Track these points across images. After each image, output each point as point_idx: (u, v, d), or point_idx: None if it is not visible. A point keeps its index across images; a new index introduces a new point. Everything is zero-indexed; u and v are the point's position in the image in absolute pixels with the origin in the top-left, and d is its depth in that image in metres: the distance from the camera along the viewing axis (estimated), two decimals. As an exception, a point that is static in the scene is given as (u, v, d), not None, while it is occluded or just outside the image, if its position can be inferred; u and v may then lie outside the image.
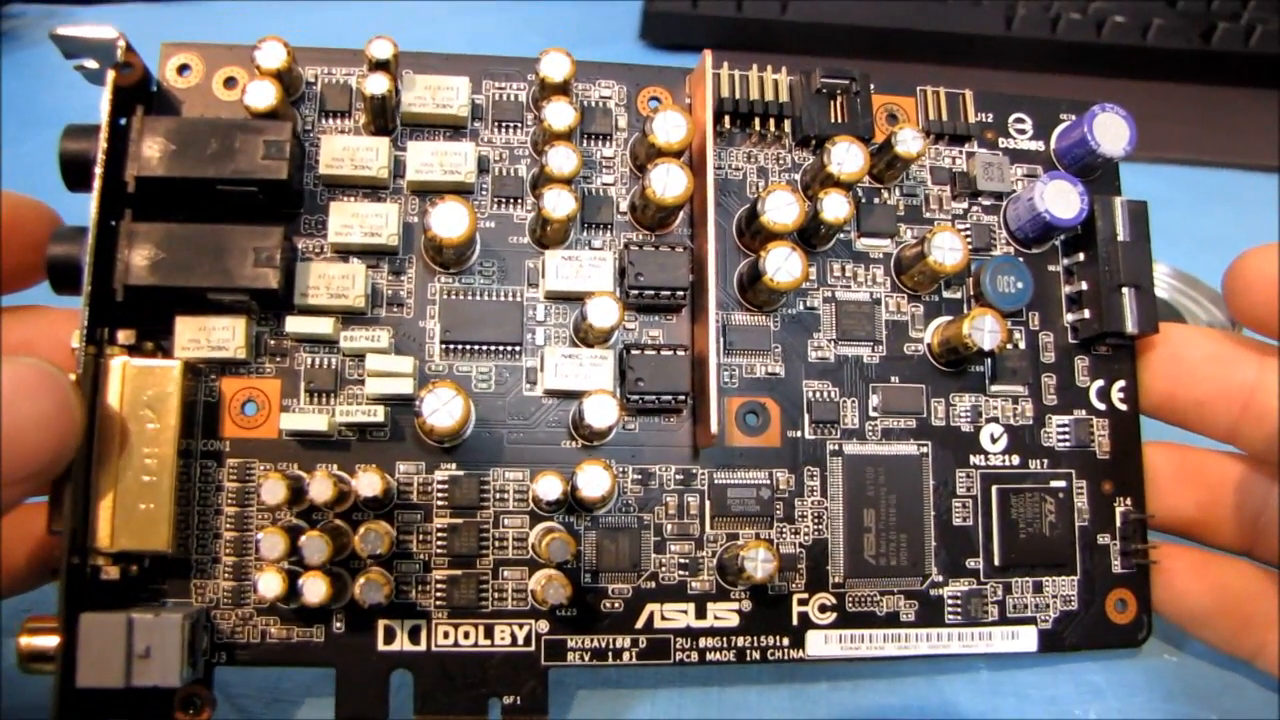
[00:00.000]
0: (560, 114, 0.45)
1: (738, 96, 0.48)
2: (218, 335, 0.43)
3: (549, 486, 0.42)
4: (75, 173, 0.42)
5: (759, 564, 0.43)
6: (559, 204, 0.44)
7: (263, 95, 0.43)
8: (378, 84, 0.44)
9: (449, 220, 0.42)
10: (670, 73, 0.49)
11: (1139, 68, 0.79)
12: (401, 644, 0.43)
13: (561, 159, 0.44)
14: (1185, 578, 0.48)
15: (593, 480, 0.42)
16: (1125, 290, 0.47)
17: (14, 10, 0.75)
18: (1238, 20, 0.78)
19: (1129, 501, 0.49)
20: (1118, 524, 0.48)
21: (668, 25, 0.76)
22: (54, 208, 0.44)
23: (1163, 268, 0.64)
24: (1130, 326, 0.47)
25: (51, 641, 0.39)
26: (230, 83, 0.46)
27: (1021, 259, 0.49)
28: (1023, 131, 0.51)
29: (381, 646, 0.43)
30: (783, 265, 0.44)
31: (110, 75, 0.42)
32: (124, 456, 0.40)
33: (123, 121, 0.42)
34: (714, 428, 0.43)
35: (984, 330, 0.45)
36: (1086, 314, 0.48)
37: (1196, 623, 0.48)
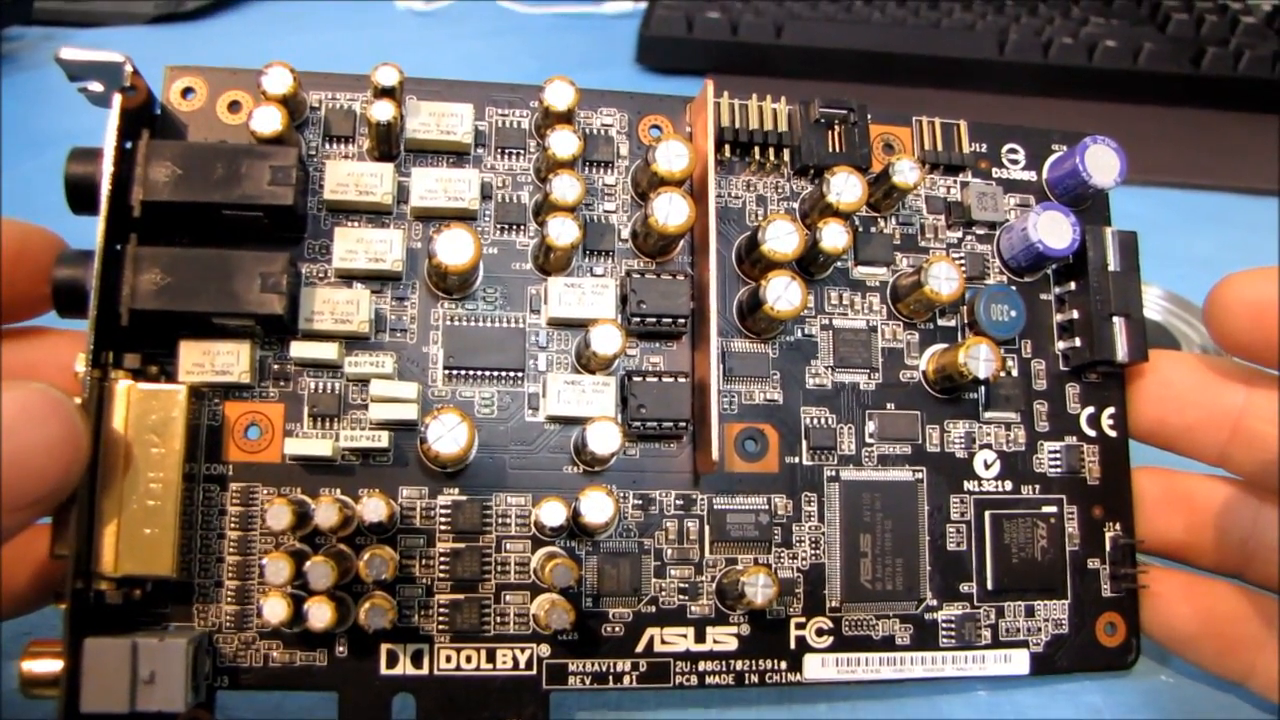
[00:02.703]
0: (564, 142, 0.45)
1: (737, 125, 0.49)
2: (222, 359, 0.43)
3: (552, 512, 0.43)
4: (80, 196, 0.42)
5: (759, 589, 0.43)
6: (562, 232, 0.44)
7: (269, 121, 0.43)
8: (383, 110, 0.44)
9: (454, 247, 0.43)
10: (671, 101, 0.50)
11: (1130, 91, 0.80)
12: (404, 668, 0.44)
13: (565, 187, 0.45)
14: (1174, 601, 0.49)
15: (596, 506, 0.43)
16: (1116, 319, 0.48)
17: (13, 33, 0.75)
18: (1226, 45, 0.80)
19: (1118, 526, 0.50)
20: (1107, 549, 0.49)
21: (664, 49, 0.77)
22: (56, 229, 0.43)
23: (1155, 290, 0.65)
24: (1120, 355, 0.48)
25: (54, 666, 0.39)
26: (234, 106, 0.46)
27: (1014, 287, 0.50)
28: (1015, 162, 0.52)
29: (384, 670, 0.44)
30: (783, 294, 0.45)
31: (117, 99, 0.42)
32: (128, 480, 0.40)
33: (128, 145, 0.42)
34: (715, 454, 0.43)
35: (979, 359, 0.45)
36: (1077, 342, 0.49)
37: (1185, 645, 0.49)
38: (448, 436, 0.42)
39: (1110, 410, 0.50)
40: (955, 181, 0.51)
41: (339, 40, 0.78)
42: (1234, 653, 0.47)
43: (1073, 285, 0.49)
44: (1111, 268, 0.48)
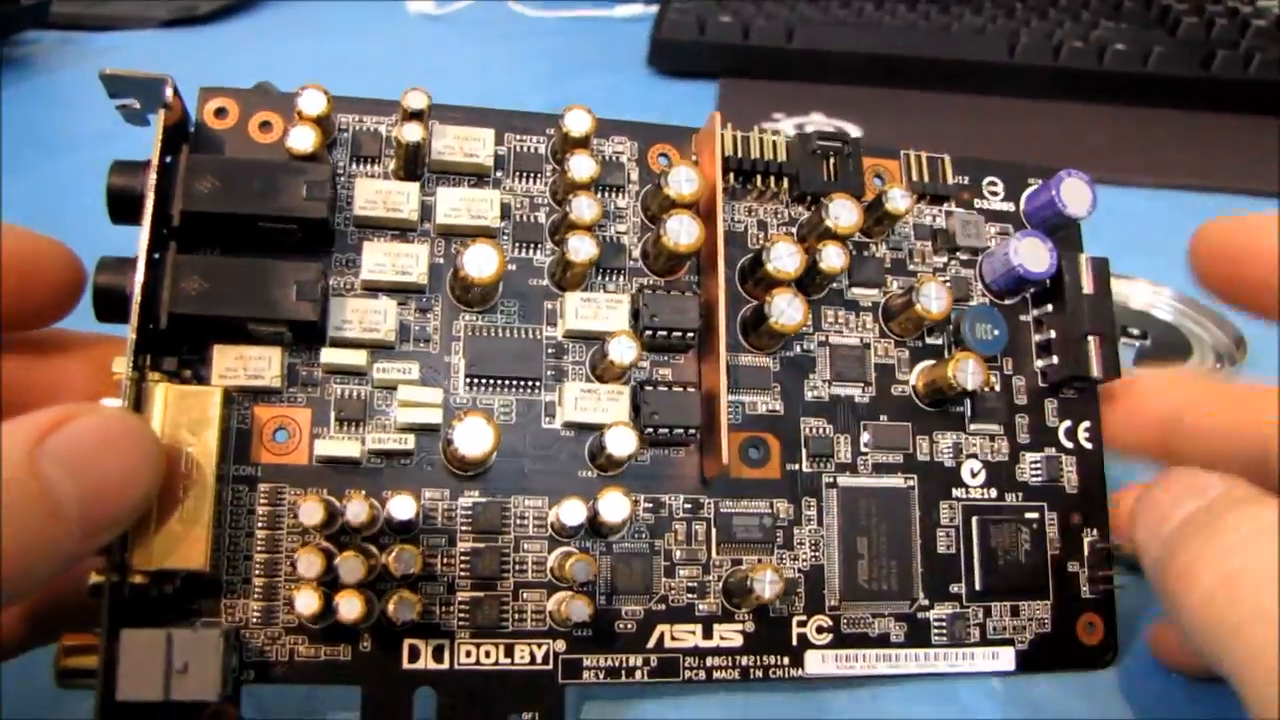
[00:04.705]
0: (583, 166, 0.48)
1: (740, 155, 0.52)
2: (254, 364, 0.45)
3: (572, 511, 0.45)
4: (121, 207, 0.44)
5: (767, 584, 0.46)
6: (580, 248, 0.47)
7: (304, 139, 0.46)
8: (413, 132, 0.47)
9: (480, 261, 0.45)
10: (678, 131, 0.53)
11: (1141, 95, 0.83)
12: (426, 662, 0.45)
13: (583, 207, 0.48)
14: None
15: (614, 506, 0.45)
16: (1090, 338, 0.51)
17: (30, 37, 0.76)
18: (1236, 48, 0.82)
19: (1095, 532, 0.53)
20: (1086, 553, 0.53)
21: (676, 53, 0.77)
22: (76, 231, 0.45)
23: (1168, 292, 0.69)
24: (1095, 372, 0.51)
25: (91, 657, 0.40)
26: (265, 126, 0.49)
27: (996, 309, 0.53)
28: (995, 194, 0.56)
29: (406, 665, 0.45)
30: (786, 310, 0.48)
31: (160, 115, 0.44)
32: (164, 478, 0.42)
33: (168, 159, 0.44)
34: (725, 458, 0.46)
35: (968, 372, 0.49)
36: (1055, 360, 0.53)
37: None
38: (472, 439, 0.44)
39: (1086, 424, 0.54)
40: (940, 210, 0.55)
41: (352, 43, 0.79)
42: None
43: (1050, 307, 0.53)
44: (1086, 291, 0.52)
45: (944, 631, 0.50)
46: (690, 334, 0.48)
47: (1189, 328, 0.69)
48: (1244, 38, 0.84)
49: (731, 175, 0.52)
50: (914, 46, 0.80)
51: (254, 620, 0.44)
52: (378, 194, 0.48)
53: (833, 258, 0.49)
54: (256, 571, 0.45)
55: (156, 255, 0.44)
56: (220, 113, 0.49)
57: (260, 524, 0.45)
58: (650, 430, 0.47)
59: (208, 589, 0.44)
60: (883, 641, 0.49)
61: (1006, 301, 0.54)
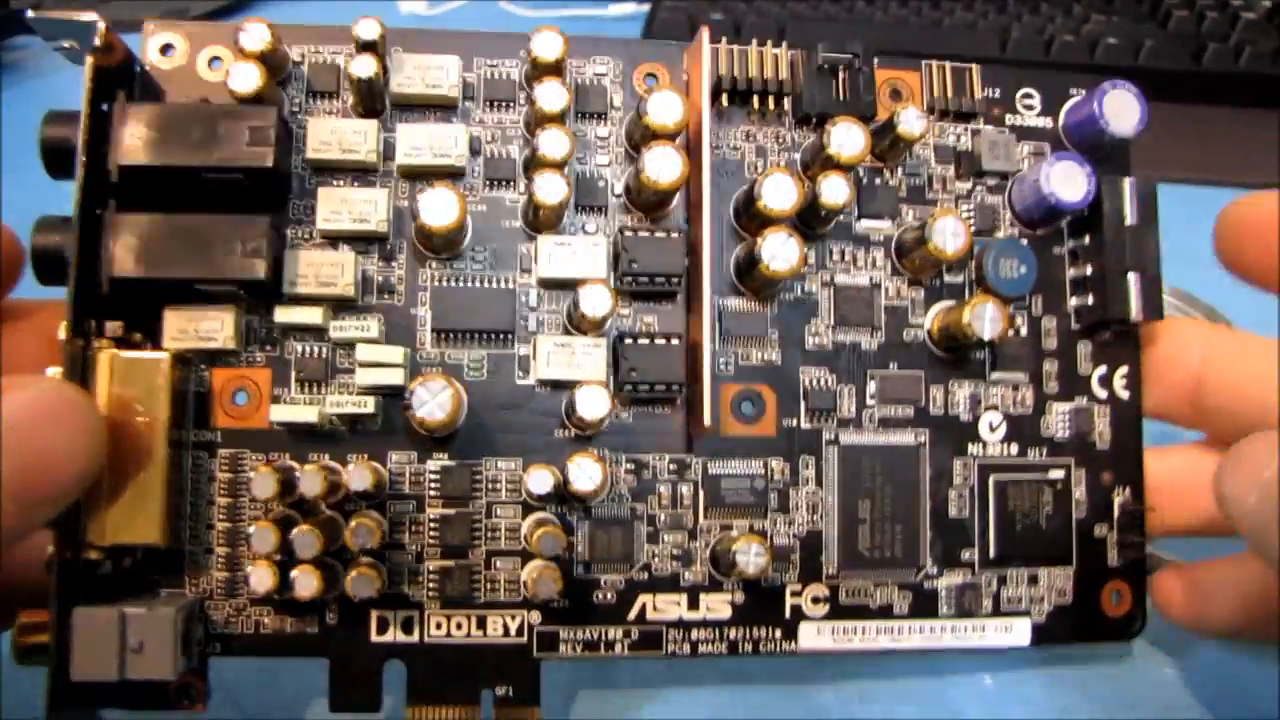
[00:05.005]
0: (552, 95, 0.43)
1: (736, 74, 0.46)
2: (206, 326, 0.43)
3: (540, 481, 0.42)
4: (56, 160, 0.42)
5: (751, 558, 0.42)
6: (550, 190, 0.43)
7: (247, 79, 0.42)
8: (364, 66, 0.43)
9: (438, 207, 0.42)
10: (668, 49, 0.47)
11: None
12: (394, 635, 0.44)
13: (553, 142, 0.43)
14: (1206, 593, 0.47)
15: (584, 473, 0.42)
16: (1130, 275, 0.46)
17: (19, 42, 0.76)
18: (1227, 41, 0.80)
19: (1128, 491, 0.48)
20: (1115, 515, 0.48)
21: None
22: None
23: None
24: (1135, 313, 0.45)
25: (45, 636, 0.39)
26: (215, 63, 0.45)
27: (1025, 241, 0.47)
28: (1030, 108, 0.49)
29: (375, 637, 0.43)
30: (779, 252, 0.43)
31: (90, 60, 0.41)
32: (114, 450, 0.40)
33: (104, 108, 0.41)
34: (708, 420, 0.42)
35: (985, 319, 0.43)
36: (1090, 299, 0.47)
37: (1234, 634, 0.47)
38: (433, 403, 0.41)
39: (1123, 370, 0.48)
40: (966, 129, 0.49)
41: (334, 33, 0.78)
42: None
43: (1087, 239, 0.47)
44: (1128, 221, 0.46)
45: (953, 602, 0.46)
46: (675, 279, 0.44)
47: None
48: (1234, 30, 0.82)
49: (726, 96, 0.47)
50: (905, 43, 0.79)
51: (218, 591, 0.43)
52: (332, 134, 0.44)
53: (834, 191, 0.44)
54: (219, 541, 0.43)
55: (99, 212, 0.41)
56: (167, 50, 0.45)
57: (221, 491, 0.43)
58: (629, 387, 0.44)
59: (168, 561, 0.43)
60: (884, 613, 0.46)
61: (1038, 232, 0.48)
